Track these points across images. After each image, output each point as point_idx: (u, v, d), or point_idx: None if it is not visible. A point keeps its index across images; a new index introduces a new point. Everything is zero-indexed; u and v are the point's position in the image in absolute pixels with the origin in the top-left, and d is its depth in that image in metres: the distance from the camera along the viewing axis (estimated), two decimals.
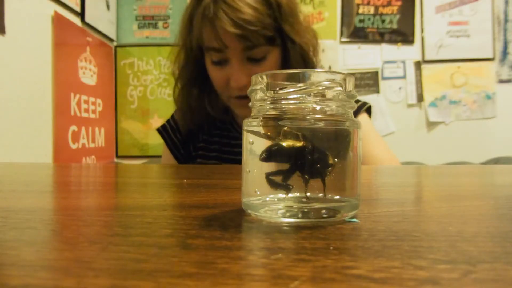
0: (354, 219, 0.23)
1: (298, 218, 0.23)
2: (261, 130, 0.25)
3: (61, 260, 0.16)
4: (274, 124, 0.24)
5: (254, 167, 0.25)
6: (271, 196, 0.25)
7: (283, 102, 0.24)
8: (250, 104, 0.27)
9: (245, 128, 0.26)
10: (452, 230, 0.21)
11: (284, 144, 0.24)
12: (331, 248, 0.17)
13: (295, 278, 0.14)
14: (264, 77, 0.25)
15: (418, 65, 2.22)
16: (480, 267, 0.15)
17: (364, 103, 0.85)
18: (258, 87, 0.25)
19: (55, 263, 0.16)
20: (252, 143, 0.25)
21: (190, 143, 0.90)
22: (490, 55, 2.18)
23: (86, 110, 1.78)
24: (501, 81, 2.18)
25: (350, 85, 0.25)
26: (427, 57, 2.21)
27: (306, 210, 0.24)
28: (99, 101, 1.92)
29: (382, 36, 2.23)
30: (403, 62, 2.22)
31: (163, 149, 0.95)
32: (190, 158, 0.89)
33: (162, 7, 2.25)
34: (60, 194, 0.34)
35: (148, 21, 2.24)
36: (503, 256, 0.16)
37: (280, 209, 0.24)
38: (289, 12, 0.77)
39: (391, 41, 2.23)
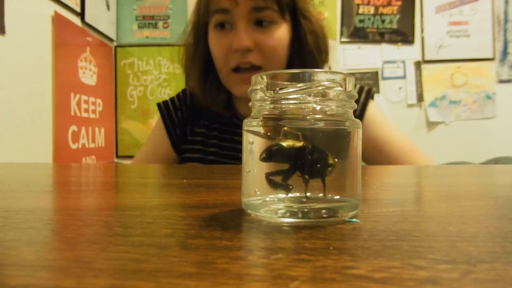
0: (354, 219, 0.23)
1: (298, 218, 0.23)
2: (261, 130, 0.25)
3: (61, 260, 0.16)
4: (274, 124, 0.24)
5: (254, 167, 0.25)
6: (271, 196, 0.25)
7: (283, 102, 0.24)
8: (250, 101, 0.27)
9: (245, 128, 0.26)
10: (452, 230, 0.21)
11: (284, 144, 0.24)
12: (331, 248, 0.17)
13: (295, 278, 0.14)
14: (264, 77, 0.25)
15: (418, 65, 2.22)
16: (480, 267, 0.15)
17: (369, 89, 0.83)
18: (258, 87, 0.25)
19: (55, 263, 0.16)
20: (252, 143, 0.26)
21: (188, 125, 0.87)
22: (490, 55, 2.18)
23: (86, 110, 1.78)
24: (501, 81, 2.18)
25: (350, 85, 0.25)
26: (427, 57, 2.21)
27: (306, 210, 0.24)
28: (99, 101, 1.92)
29: (382, 36, 2.23)
30: (403, 62, 2.22)
31: (156, 127, 0.90)
32: (184, 141, 0.86)
33: (162, 7, 2.25)
34: (60, 194, 0.34)
35: (148, 21, 2.24)
36: (503, 256, 0.16)
37: (280, 209, 0.24)
38: None
39: (391, 41, 2.23)
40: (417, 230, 0.20)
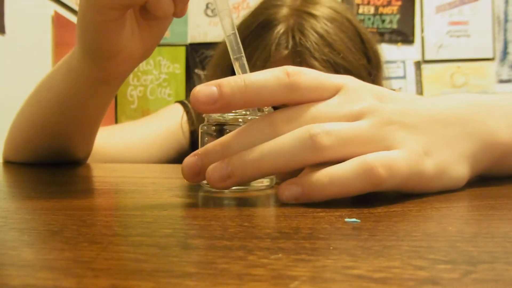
0: (354, 219, 0.23)
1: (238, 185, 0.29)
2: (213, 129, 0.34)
3: (61, 260, 0.16)
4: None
5: None
6: None
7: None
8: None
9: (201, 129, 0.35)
10: (452, 230, 0.21)
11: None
12: (331, 248, 0.17)
13: (295, 278, 0.14)
14: None
15: (418, 65, 2.22)
16: (480, 267, 0.15)
17: None
18: None
19: (55, 263, 0.16)
20: (207, 140, 0.34)
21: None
22: (490, 55, 2.18)
23: None
24: (501, 81, 2.18)
25: None
26: (427, 57, 2.21)
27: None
28: None
29: (382, 36, 2.23)
30: (403, 62, 2.22)
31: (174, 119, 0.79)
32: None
33: None
34: (59, 194, 0.34)
35: None
36: (503, 256, 0.16)
37: None
38: (380, 67, 0.69)
39: (391, 41, 2.23)
40: (417, 230, 0.20)
